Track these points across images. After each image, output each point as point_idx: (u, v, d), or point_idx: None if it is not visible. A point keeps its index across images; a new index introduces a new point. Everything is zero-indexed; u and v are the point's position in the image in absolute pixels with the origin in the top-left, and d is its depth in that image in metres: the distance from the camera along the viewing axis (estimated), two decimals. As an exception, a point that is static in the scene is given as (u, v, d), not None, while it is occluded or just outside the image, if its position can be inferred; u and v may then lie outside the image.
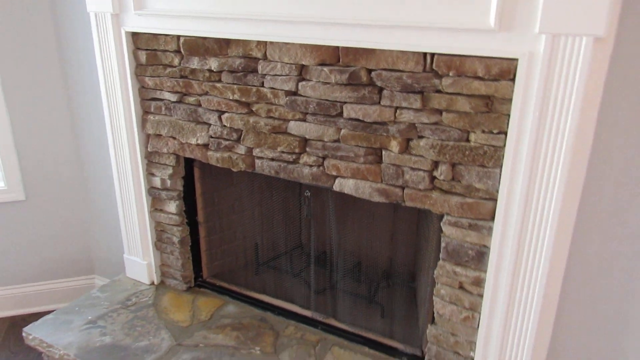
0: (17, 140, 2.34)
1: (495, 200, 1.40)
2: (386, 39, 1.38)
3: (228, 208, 2.23)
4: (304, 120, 1.63)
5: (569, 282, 1.45)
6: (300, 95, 1.60)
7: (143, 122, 1.97)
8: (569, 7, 1.12)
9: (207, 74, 1.74)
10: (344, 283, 2.03)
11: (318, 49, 1.51)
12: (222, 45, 1.67)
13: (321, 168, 1.66)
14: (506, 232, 1.39)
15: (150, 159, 2.03)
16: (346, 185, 1.63)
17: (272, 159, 1.74)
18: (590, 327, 1.47)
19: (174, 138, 1.92)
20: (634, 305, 1.39)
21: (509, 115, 1.30)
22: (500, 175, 1.37)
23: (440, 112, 1.41)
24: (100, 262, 2.62)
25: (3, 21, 2.17)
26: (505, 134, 1.33)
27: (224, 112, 1.77)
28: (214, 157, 1.85)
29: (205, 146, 1.86)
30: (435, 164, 1.47)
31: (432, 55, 1.35)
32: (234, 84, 1.70)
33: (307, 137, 1.64)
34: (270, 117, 1.69)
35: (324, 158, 1.64)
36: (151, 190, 2.08)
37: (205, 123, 1.83)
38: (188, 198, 2.09)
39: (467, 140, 1.40)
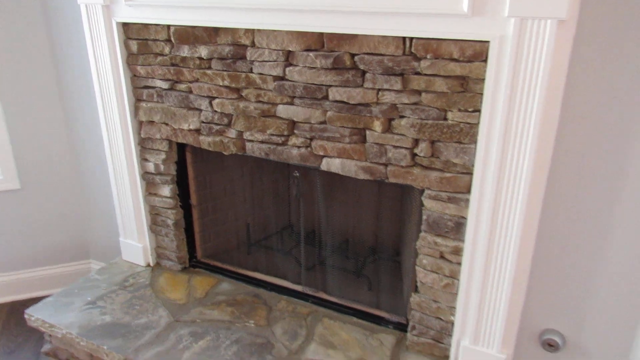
0: (11, 130, 2.39)
1: (471, 174, 1.51)
2: (367, 25, 1.47)
3: (220, 190, 2.32)
4: (292, 103, 1.71)
5: (540, 246, 1.57)
6: (288, 80, 1.68)
7: (136, 110, 2.04)
8: (533, -8, 1.22)
9: (197, 62, 1.82)
10: (333, 259, 2.14)
11: (303, 35, 1.59)
12: (212, 34, 1.75)
13: (309, 149, 1.75)
14: (482, 203, 1.50)
15: (144, 145, 2.10)
16: (333, 165, 1.72)
17: (262, 142, 1.83)
18: (560, 288, 1.59)
19: (167, 124, 2.00)
20: (601, 267, 1.51)
21: (482, 94, 1.41)
22: (475, 150, 1.47)
23: (419, 92, 1.50)
24: (96, 247, 2.70)
25: (-7, 13, 2.22)
26: (480, 111, 1.43)
27: (214, 98, 1.85)
28: (205, 141, 1.93)
29: (197, 131, 1.95)
30: (416, 142, 1.57)
31: (411, 39, 1.45)
32: (223, 70, 1.78)
33: (295, 119, 1.73)
34: (260, 102, 1.77)
35: (311, 139, 1.73)
36: (145, 175, 2.16)
37: (196, 109, 1.91)
38: (181, 182, 2.17)
39: (445, 118, 1.50)
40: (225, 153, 1.92)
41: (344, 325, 1.95)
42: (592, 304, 1.56)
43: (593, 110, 1.38)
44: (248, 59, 1.72)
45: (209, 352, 1.80)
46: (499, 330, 1.60)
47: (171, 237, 2.22)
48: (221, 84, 1.80)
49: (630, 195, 1.41)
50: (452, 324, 1.71)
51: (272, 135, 1.79)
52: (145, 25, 1.86)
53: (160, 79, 1.93)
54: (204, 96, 1.86)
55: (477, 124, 1.45)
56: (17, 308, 2.59)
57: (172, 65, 1.88)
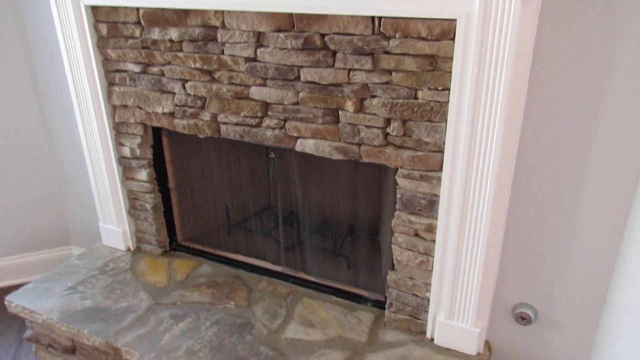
0: (-16, 117, 2.37)
1: (442, 152, 1.52)
2: (336, 4, 1.45)
3: (198, 173, 2.31)
4: (264, 85, 1.71)
5: (512, 223, 1.60)
6: (259, 62, 1.67)
7: (109, 94, 2.02)
8: (498, -31, 1.22)
9: (168, 44, 1.80)
10: (312, 239, 2.15)
11: (273, 16, 1.58)
12: (181, 16, 1.72)
13: (283, 130, 1.75)
14: (453, 181, 1.52)
15: (119, 130, 2.09)
16: (307, 145, 1.73)
17: (236, 124, 1.82)
18: (532, 264, 1.62)
19: (140, 108, 1.98)
20: (572, 243, 1.54)
21: (451, 73, 1.41)
22: (446, 128, 1.48)
23: (389, 72, 1.50)
24: (76, 233, 2.69)
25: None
26: (449, 90, 1.44)
27: (187, 81, 1.83)
28: (180, 124, 1.92)
29: (172, 114, 1.93)
30: (388, 121, 1.57)
31: (380, 18, 1.44)
32: (195, 52, 1.76)
33: (268, 101, 1.72)
34: (232, 84, 1.76)
35: (285, 120, 1.73)
36: (121, 159, 2.15)
37: (169, 92, 1.90)
38: (158, 165, 2.17)
39: (416, 97, 1.50)
40: (200, 136, 1.91)
41: (323, 304, 1.97)
42: (562, 279, 1.59)
43: (561, 85, 1.39)
44: (219, 40, 1.70)
45: (189, 334, 1.82)
46: (473, 305, 1.64)
47: (150, 221, 2.22)
48: (193, 66, 1.78)
49: (600, 171, 1.43)
50: (428, 300, 1.74)
51: (246, 117, 1.79)
52: (114, 8, 1.83)
53: (132, 63, 1.91)
54: (176, 79, 1.85)
55: (447, 102, 1.45)
56: (-1, 295, 2.59)
57: (144, 48, 1.86)
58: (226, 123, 1.84)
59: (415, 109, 1.50)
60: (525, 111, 1.44)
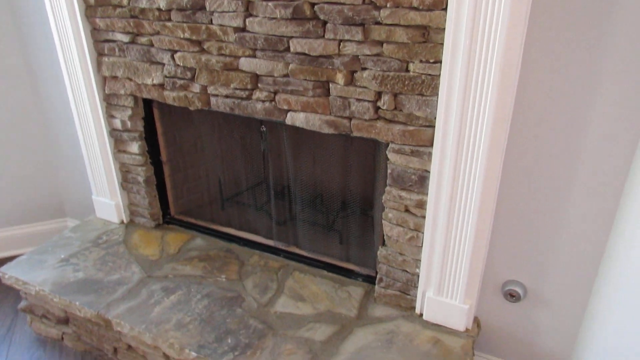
0: (-25, 87, 2.34)
1: (433, 127, 1.49)
2: (325, -28, 1.41)
3: (190, 147, 2.29)
4: (254, 56, 1.67)
5: (502, 200, 1.57)
6: (249, 32, 1.63)
7: (98, 65, 1.99)
8: None
9: (156, 13, 1.75)
10: (305, 214, 2.14)
11: (262, -17, 1.53)
12: (169, -17, 1.68)
13: (273, 103, 1.72)
14: (444, 156, 1.49)
15: (109, 101, 2.06)
16: (297, 119, 1.69)
17: (226, 96, 1.79)
18: (522, 241, 1.60)
19: (130, 79, 1.95)
20: (562, 220, 1.52)
21: (443, 45, 1.37)
22: (437, 102, 1.44)
23: (380, 43, 1.46)
24: (71, 205, 2.69)
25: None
26: (441, 62, 1.39)
27: (176, 51, 1.80)
28: (170, 96, 1.89)
29: (161, 86, 1.90)
30: (379, 95, 1.54)
31: (370, -14, 1.39)
32: (183, 22, 1.72)
33: (258, 72, 1.69)
34: (222, 55, 1.72)
35: (275, 93, 1.70)
36: (113, 132, 2.13)
37: (159, 63, 1.86)
38: (150, 138, 2.15)
39: (407, 70, 1.46)
40: (191, 108, 1.88)
41: (314, 278, 1.97)
42: (553, 257, 1.57)
43: (555, 57, 1.35)
44: (207, 9, 1.65)
45: (179, 306, 1.83)
46: (462, 282, 1.63)
47: (143, 194, 2.21)
48: (182, 36, 1.74)
49: (593, 148, 1.40)
50: (417, 276, 1.73)
51: (236, 89, 1.75)
52: (101, -25, 1.78)
53: (121, 32, 1.87)
54: (165, 49, 1.81)
55: (439, 75, 1.41)
56: (-4, 266, 2.61)
57: (132, 17, 1.81)
58: (216, 95, 1.81)
59: (407, 82, 1.46)
60: (518, 85, 1.40)
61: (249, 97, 1.75)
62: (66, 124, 2.42)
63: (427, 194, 1.59)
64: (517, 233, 1.60)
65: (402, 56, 1.44)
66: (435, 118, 1.47)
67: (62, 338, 2.12)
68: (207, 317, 1.78)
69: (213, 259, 2.09)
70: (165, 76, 1.86)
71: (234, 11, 1.61)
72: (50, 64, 2.29)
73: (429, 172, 1.55)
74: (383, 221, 1.72)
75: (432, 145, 1.51)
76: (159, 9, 1.74)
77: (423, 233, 1.65)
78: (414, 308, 1.79)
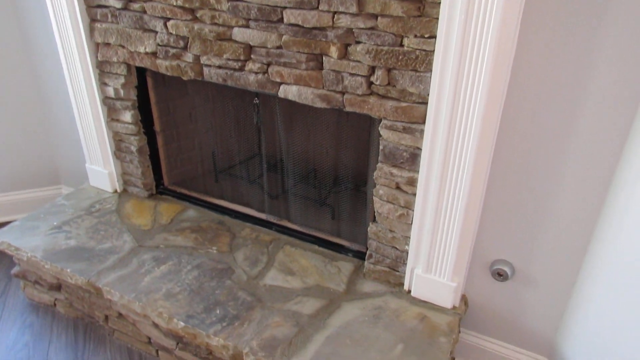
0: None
1: (426, 104, 1.47)
2: (320, -60, 1.37)
3: (184, 117, 2.27)
4: (247, 26, 1.63)
5: (493, 180, 1.56)
6: (242, 1, 1.59)
7: (91, 31, 1.96)
8: None
9: (149, -21, 1.72)
10: (297, 188, 2.13)
11: (256, -49, 1.49)
12: (162, -52, 1.63)
13: (266, 75, 1.69)
14: (436, 134, 1.47)
15: (102, 69, 2.03)
16: (290, 92, 1.67)
17: (219, 67, 1.76)
18: (512, 221, 1.60)
19: (123, 47, 1.92)
20: (552, 201, 1.51)
21: (438, 19, 1.33)
22: (430, 79, 1.42)
23: (375, 16, 1.43)
24: (65, 172, 2.69)
25: None
26: (436, 38, 1.36)
27: (169, 19, 1.76)
28: (163, 65, 1.87)
29: (154, 54, 1.87)
30: (372, 70, 1.51)
31: (366, -43, 1.35)
32: (176, -11, 1.68)
33: (251, 43, 1.66)
34: (215, 24, 1.69)
35: (268, 65, 1.67)
36: (106, 100, 2.11)
37: (152, 31, 1.83)
38: (144, 107, 2.12)
39: (401, 45, 1.43)
40: (184, 78, 1.86)
41: (304, 252, 1.98)
42: (542, 237, 1.57)
43: (551, 34, 1.31)
44: (200, -24, 1.62)
45: (169, 276, 1.84)
46: (451, 260, 1.63)
47: (136, 163, 2.20)
48: (175, 3, 1.70)
49: (585, 128, 1.38)
50: (407, 253, 1.73)
51: (229, 60, 1.72)
52: (93, -62, 1.74)
53: (113, -2, 1.83)
54: (158, 17, 1.77)
55: (433, 51, 1.38)
56: (-9, 231, 2.62)
57: (124, -18, 1.78)
58: (209, 65, 1.78)
59: (400, 57, 1.44)
60: (514, 64, 1.37)
61: (241, 69, 1.72)
62: (60, 91, 2.40)
63: (418, 172, 1.57)
64: (506, 213, 1.59)
65: (397, 30, 1.41)
66: (428, 95, 1.45)
67: (55, 304, 2.14)
68: (197, 288, 1.79)
69: (205, 230, 2.09)
70: (158, 44, 1.83)
71: (227, -21, 1.58)
72: (43, 29, 2.25)
73: (421, 149, 1.54)
74: (374, 198, 1.72)
75: (424, 122, 1.49)
76: (151, -25, 1.70)
77: (413, 210, 1.64)
78: (402, 284, 1.80)
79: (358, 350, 1.55)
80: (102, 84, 2.07)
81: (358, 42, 1.49)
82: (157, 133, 2.21)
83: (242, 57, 1.69)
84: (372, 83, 1.53)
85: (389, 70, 1.48)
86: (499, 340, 1.82)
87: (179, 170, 2.35)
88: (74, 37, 1.95)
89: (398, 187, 1.65)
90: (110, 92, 2.06)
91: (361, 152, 2.02)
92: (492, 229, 1.64)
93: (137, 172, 2.22)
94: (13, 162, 2.60)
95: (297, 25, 1.54)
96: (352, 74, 1.54)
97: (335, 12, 1.47)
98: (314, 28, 1.52)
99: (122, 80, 2.01)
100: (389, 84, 1.50)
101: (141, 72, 2.05)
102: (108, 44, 1.95)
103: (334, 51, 1.53)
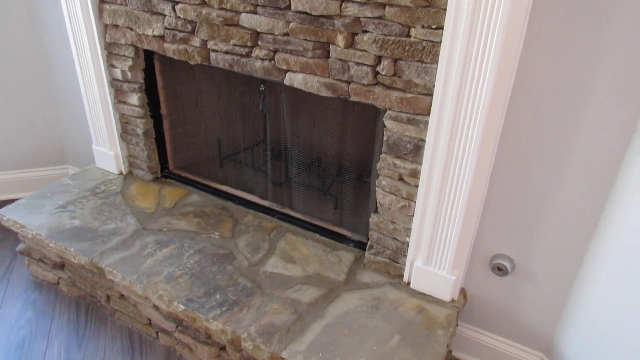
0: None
1: (431, 95, 1.46)
2: None
3: (191, 102, 2.27)
4: (255, 12, 1.63)
5: (495, 174, 1.55)
6: (250, -14, 1.59)
7: (100, 12, 1.96)
8: None
9: (158, -39, 1.71)
10: (301, 176, 2.13)
11: (265, -64, 1.47)
12: None
13: (272, 62, 1.68)
14: (440, 126, 1.46)
15: (110, 50, 2.04)
16: (296, 80, 1.67)
17: (226, 52, 1.76)
18: (513, 216, 1.59)
19: (131, 29, 1.92)
20: (553, 196, 1.50)
21: (446, 10, 1.32)
22: (436, 70, 1.41)
23: (383, 6, 1.41)
24: (72, 153, 2.71)
25: None
26: (443, 29, 1.35)
27: (177, 3, 1.76)
28: (170, 49, 1.86)
29: (162, 38, 1.87)
30: (379, 59, 1.50)
31: (376, -55, 1.34)
32: (185, -28, 1.68)
33: (258, 30, 1.65)
34: (222, 9, 1.68)
35: (274, 52, 1.66)
36: (113, 82, 2.11)
37: (160, 13, 1.82)
38: (150, 91, 2.13)
39: (408, 35, 1.42)
40: (190, 62, 1.85)
41: (306, 241, 1.98)
42: (543, 233, 1.56)
43: (559, 26, 1.30)
44: (209, -40, 1.61)
45: (171, 260, 1.85)
46: (451, 253, 1.62)
47: (142, 146, 2.21)
48: (183, -13, 1.70)
49: (589, 125, 1.36)
50: (407, 244, 1.73)
51: (236, 45, 1.72)
52: None
53: (122, -20, 1.83)
54: (166, 0, 1.77)
55: (440, 42, 1.37)
56: (-2, 208, 2.65)
57: (134, -36, 1.77)
58: (216, 51, 1.78)
59: (407, 48, 1.42)
60: (521, 58, 1.36)
61: (248, 55, 1.72)
62: (68, 72, 2.41)
63: (421, 164, 1.57)
64: (508, 207, 1.58)
65: (404, 20, 1.39)
66: (433, 86, 1.44)
67: (58, 282, 2.17)
68: (198, 272, 1.80)
69: (208, 215, 2.11)
70: (166, 28, 1.83)
71: (236, -37, 1.57)
72: (53, 9, 2.26)
73: (425, 141, 1.53)
74: (376, 188, 1.71)
75: (429, 114, 1.48)
76: (160, -42, 1.69)
77: (415, 202, 1.64)
78: (402, 276, 1.80)
79: (355, 340, 1.56)
80: (110, 65, 2.07)
81: (365, 32, 1.48)
82: (164, 117, 2.21)
83: (249, 43, 1.68)
84: (378, 73, 1.52)
85: (395, 61, 1.47)
86: (497, 335, 1.82)
87: (184, 155, 2.36)
88: (83, 18, 1.95)
89: (401, 179, 1.64)
90: (118, 74, 2.07)
91: (365, 143, 2.02)
92: (493, 224, 1.63)
93: (142, 155, 2.24)
94: (21, 141, 2.62)
95: (305, 12, 1.53)
96: (358, 64, 1.53)
97: (342, 1, 1.46)
98: (321, 16, 1.51)
99: (129, 62, 2.01)
100: (394, 74, 1.49)
101: (149, 55, 2.05)
102: (116, 26, 1.95)
103: (340, 40, 1.52)
